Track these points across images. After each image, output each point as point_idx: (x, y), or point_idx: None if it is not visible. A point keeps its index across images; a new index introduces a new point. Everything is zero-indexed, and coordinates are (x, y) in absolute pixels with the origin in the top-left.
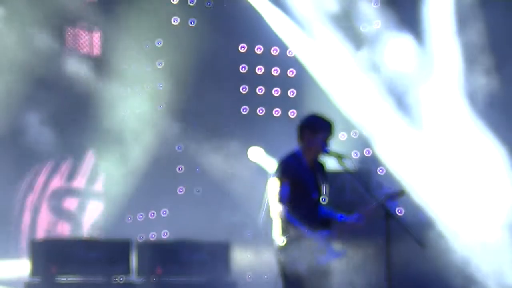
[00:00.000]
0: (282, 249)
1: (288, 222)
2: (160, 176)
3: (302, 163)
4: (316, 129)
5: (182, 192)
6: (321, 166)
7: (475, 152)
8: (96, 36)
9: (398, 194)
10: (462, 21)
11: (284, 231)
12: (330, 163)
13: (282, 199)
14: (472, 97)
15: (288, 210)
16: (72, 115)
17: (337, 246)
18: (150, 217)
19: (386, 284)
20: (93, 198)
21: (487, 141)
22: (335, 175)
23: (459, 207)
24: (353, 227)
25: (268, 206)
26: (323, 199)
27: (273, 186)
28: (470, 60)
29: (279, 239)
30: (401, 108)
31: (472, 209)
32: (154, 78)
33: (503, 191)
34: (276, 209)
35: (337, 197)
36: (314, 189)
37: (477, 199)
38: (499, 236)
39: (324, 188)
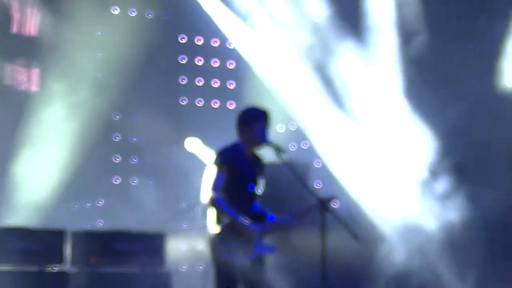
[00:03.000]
0: (216, 238)
1: (222, 210)
2: (96, 166)
3: (242, 155)
4: (251, 119)
5: (118, 182)
6: (258, 160)
7: (409, 147)
8: (35, 73)
9: (330, 200)
10: (403, 15)
11: (219, 220)
12: (268, 155)
13: (216, 186)
14: (408, 90)
15: (224, 199)
16: None
17: (268, 241)
18: (85, 207)
19: (321, 276)
20: None
21: (422, 135)
22: (272, 167)
23: (391, 198)
24: (283, 229)
25: (204, 196)
26: (259, 191)
27: (210, 173)
28: (409, 54)
29: (213, 228)
30: (338, 102)
31: (404, 200)
32: (94, 68)
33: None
34: (208, 196)
35: (274, 189)
36: (251, 182)
37: (410, 191)
38: (428, 223)
39: (261, 182)
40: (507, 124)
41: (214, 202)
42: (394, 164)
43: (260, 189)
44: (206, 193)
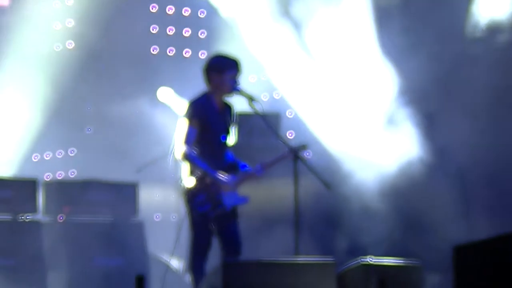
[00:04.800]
0: (189, 189)
1: (195, 164)
2: (68, 115)
3: (212, 105)
4: (222, 69)
5: (90, 132)
6: (229, 109)
7: (379, 90)
8: None
9: (301, 148)
10: None
11: (192, 172)
12: (240, 105)
13: (188, 140)
14: (379, 30)
15: (196, 151)
16: None
17: (241, 191)
18: (57, 156)
19: (294, 226)
20: None
21: (391, 78)
22: (245, 117)
23: (361, 144)
24: (254, 178)
25: (176, 150)
26: (230, 140)
27: (181, 127)
28: None
29: (187, 180)
30: (307, 49)
31: (374, 145)
32: (63, 15)
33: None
34: (180, 150)
35: (246, 139)
36: (223, 132)
37: (379, 135)
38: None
39: (232, 131)
40: (482, 66)
41: (186, 156)
42: (364, 109)
43: (231, 138)
44: (178, 147)
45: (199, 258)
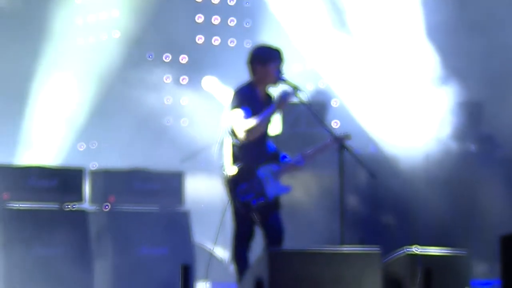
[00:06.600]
0: (232, 178)
1: (238, 152)
2: (114, 104)
3: (256, 95)
4: (266, 60)
5: (135, 121)
6: (271, 99)
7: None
8: None
9: (345, 137)
10: None
11: (235, 161)
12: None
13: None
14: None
15: (239, 140)
16: None
17: (283, 181)
18: (103, 145)
19: (340, 215)
20: None
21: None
22: (290, 106)
23: (406, 131)
24: (295, 169)
25: (222, 136)
26: (272, 132)
27: (229, 116)
28: None
29: (230, 168)
30: (353, 36)
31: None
32: (110, 6)
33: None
34: (243, 127)
35: (292, 129)
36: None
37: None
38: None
39: (274, 121)
40: None
41: (234, 146)
42: (409, 96)
43: (273, 128)
44: (239, 129)
45: (242, 247)
